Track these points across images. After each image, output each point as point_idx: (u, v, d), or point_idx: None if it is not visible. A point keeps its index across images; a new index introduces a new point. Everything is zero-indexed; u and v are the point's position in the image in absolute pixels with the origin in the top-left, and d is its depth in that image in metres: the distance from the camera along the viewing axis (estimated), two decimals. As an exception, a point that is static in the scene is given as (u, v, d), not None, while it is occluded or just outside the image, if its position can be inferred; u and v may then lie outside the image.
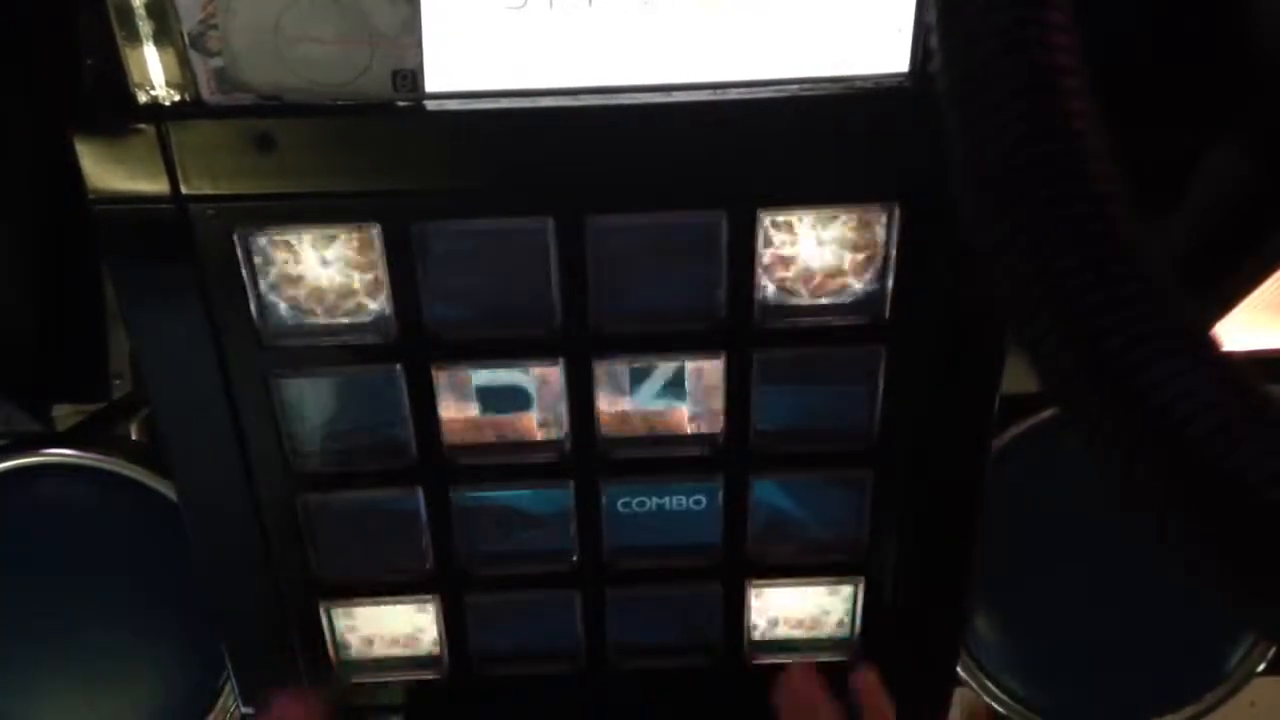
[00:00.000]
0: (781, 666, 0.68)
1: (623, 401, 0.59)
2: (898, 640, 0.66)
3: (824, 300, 0.56)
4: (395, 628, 0.67)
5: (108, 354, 0.68)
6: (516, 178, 0.52)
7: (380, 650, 0.68)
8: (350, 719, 0.71)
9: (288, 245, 0.54)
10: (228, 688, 0.70)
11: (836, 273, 0.56)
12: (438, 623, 0.66)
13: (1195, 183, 0.52)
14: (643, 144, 0.51)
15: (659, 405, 0.59)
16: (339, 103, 0.49)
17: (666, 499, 0.63)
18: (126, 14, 0.47)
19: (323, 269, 0.54)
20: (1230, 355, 0.29)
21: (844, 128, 0.51)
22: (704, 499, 0.63)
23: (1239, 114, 0.49)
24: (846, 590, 0.66)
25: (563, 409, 0.58)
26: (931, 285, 0.55)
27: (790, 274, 0.55)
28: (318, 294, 0.55)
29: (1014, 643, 0.73)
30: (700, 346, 0.57)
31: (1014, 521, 0.68)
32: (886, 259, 0.54)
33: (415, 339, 0.56)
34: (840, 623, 0.67)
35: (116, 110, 0.49)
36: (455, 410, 0.59)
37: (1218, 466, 0.28)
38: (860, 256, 0.55)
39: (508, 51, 0.49)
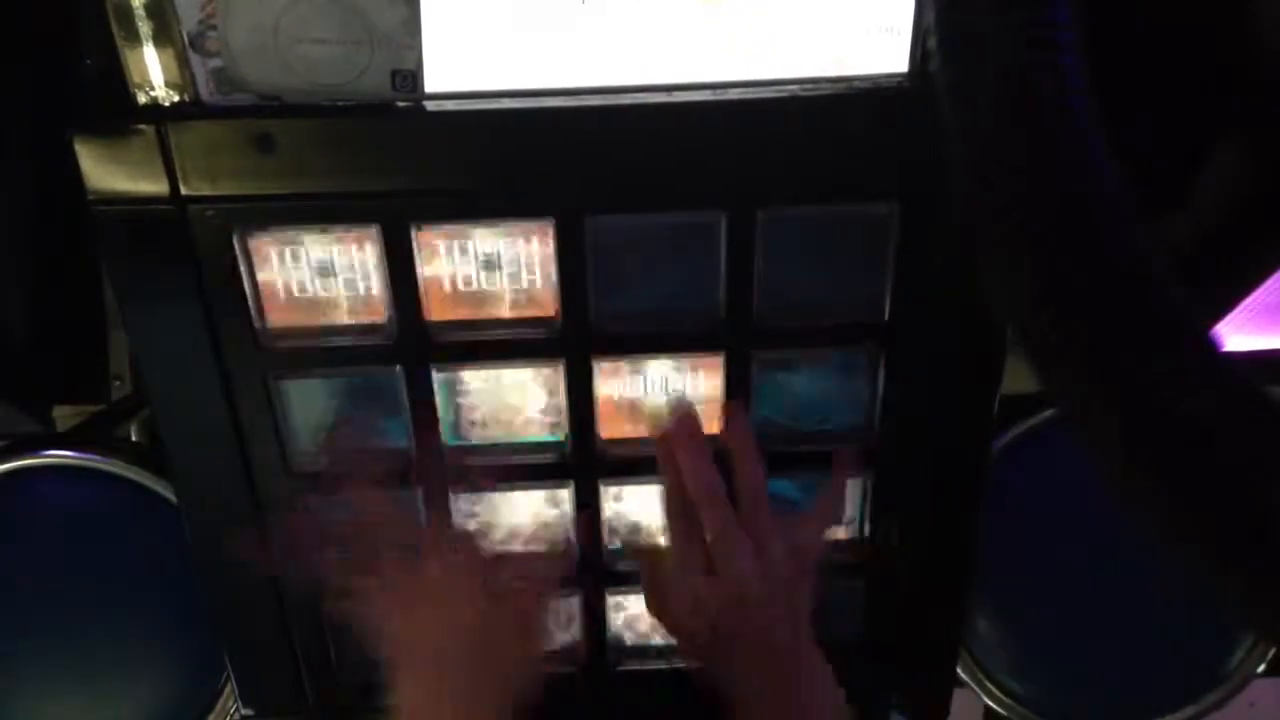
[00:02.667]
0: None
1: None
2: (899, 640, 0.66)
3: (824, 300, 0.56)
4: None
5: (107, 355, 0.68)
6: (516, 178, 0.52)
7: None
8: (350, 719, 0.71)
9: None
10: (228, 688, 0.70)
11: (836, 273, 0.56)
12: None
13: (1196, 183, 0.52)
14: (643, 144, 0.51)
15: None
16: (339, 103, 0.49)
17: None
18: (126, 15, 0.47)
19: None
20: (1231, 355, 0.29)
21: (843, 128, 0.50)
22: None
23: (1239, 114, 0.49)
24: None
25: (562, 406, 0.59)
26: (931, 285, 0.54)
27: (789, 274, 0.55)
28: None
29: (1014, 643, 0.73)
30: (700, 347, 0.57)
31: (1014, 521, 0.68)
32: (886, 259, 0.54)
33: (415, 339, 0.56)
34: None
35: (116, 111, 0.49)
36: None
37: (1218, 466, 0.28)
38: (860, 256, 0.55)
39: (507, 52, 0.49)
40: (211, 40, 0.47)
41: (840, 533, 0.64)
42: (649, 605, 0.59)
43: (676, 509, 0.56)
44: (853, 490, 0.63)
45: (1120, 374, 0.29)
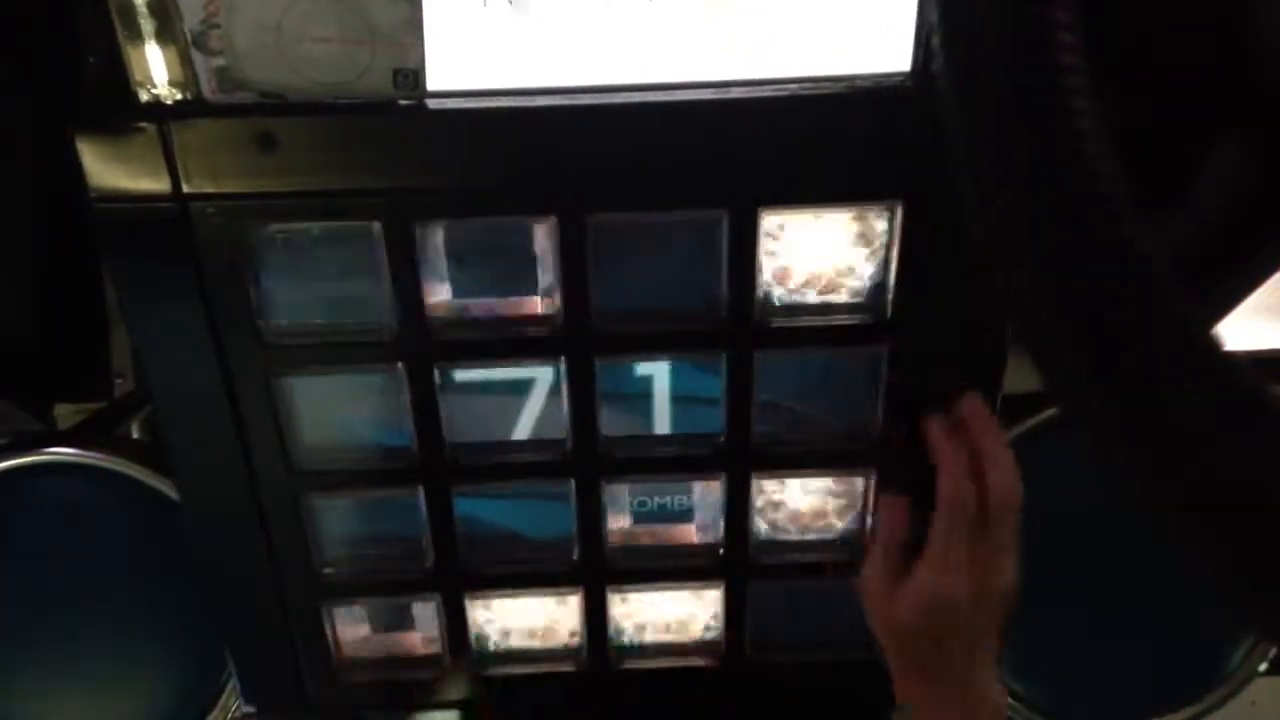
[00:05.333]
0: (781, 666, 0.68)
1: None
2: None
3: (825, 300, 0.56)
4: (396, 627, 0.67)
5: (109, 353, 0.68)
6: (517, 177, 0.52)
7: (380, 650, 0.68)
8: (350, 719, 0.71)
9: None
10: (228, 687, 0.71)
11: (838, 272, 0.56)
12: (439, 622, 0.66)
13: (1197, 183, 0.52)
14: (643, 144, 0.51)
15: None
16: (340, 101, 0.49)
17: (667, 499, 0.63)
18: (128, 13, 0.47)
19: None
20: (1233, 355, 0.29)
21: (845, 127, 0.51)
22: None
23: (1240, 114, 0.49)
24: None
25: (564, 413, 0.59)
26: (933, 285, 0.55)
27: (791, 274, 0.55)
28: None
29: (1015, 643, 0.73)
30: (700, 346, 0.57)
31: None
32: (888, 258, 0.54)
33: (416, 339, 0.56)
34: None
35: (118, 109, 0.49)
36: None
37: (1220, 466, 0.28)
38: (861, 256, 0.55)
39: (509, 51, 0.49)
40: (214, 38, 0.47)
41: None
42: (867, 589, 0.57)
43: (952, 505, 0.54)
44: (855, 489, 0.63)
45: (1122, 373, 0.29)
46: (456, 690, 0.68)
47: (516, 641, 0.68)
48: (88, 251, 0.62)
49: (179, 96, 0.49)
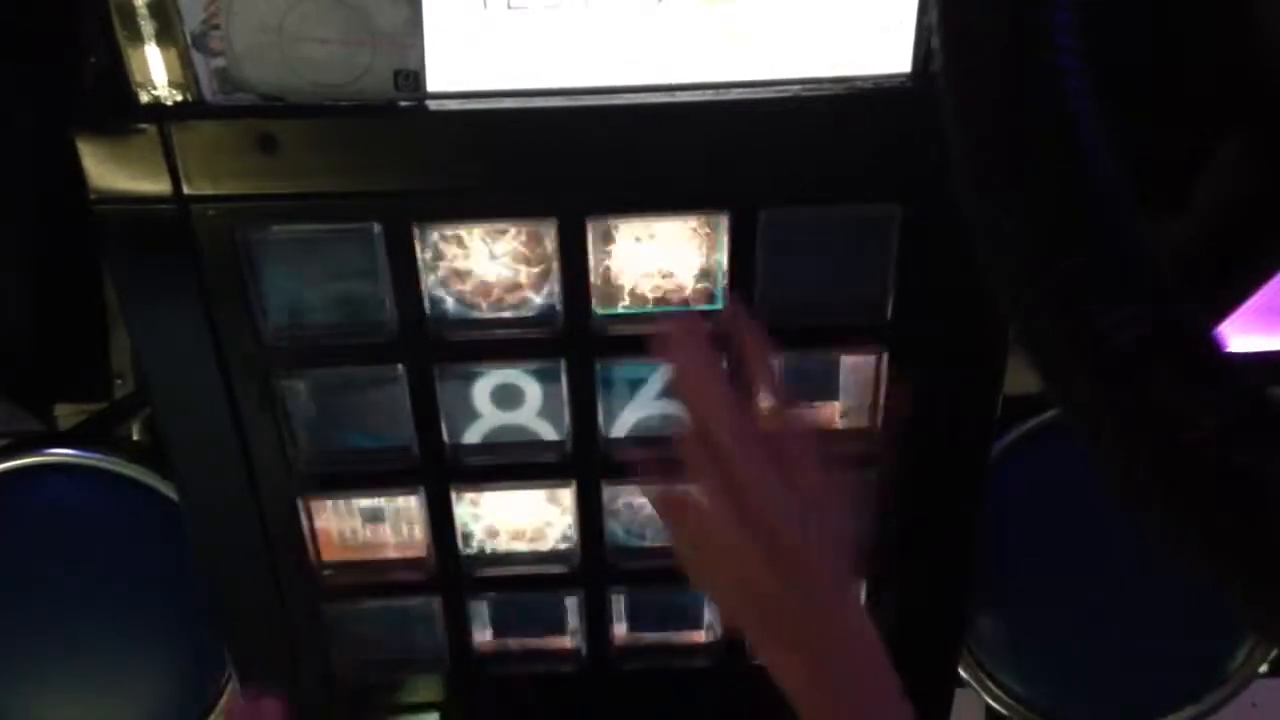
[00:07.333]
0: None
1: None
2: (900, 641, 0.66)
3: (826, 301, 0.56)
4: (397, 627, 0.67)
5: (109, 354, 0.68)
6: (518, 178, 0.52)
7: (381, 650, 0.68)
8: (352, 719, 0.71)
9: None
10: (229, 687, 0.71)
11: (838, 274, 0.56)
12: (439, 622, 0.66)
13: (1199, 183, 0.52)
14: (644, 144, 0.51)
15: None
16: (341, 103, 0.49)
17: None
18: (129, 14, 0.47)
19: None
20: (1232, 356, 0.29)
21: (845, 128, 0.50)
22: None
23: (1242, 114, 0.49)
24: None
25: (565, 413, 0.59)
26: (932, 286, 0.55)
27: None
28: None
29: (1014, 643, 0.74)
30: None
31: (1014, 522, 0.68)
32: (887, 259, 0.54)
33: (416, 339, 0.56)
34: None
35: (118, 110, 0.49)
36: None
37: (1219, 468, 0.28)
38: (862, 257, 0.55)
39: (509, 52, 0.49)
40: (214, 39, 0.47)
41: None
42: (692, 579, 0.50)
43: (696, 445, 0.47)
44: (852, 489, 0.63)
45: (1120, 375, 0.29)
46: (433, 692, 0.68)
47: (516, 638, 0.68)
48: (88, 252, 0.62)
49: (179, 98, 0.49)
